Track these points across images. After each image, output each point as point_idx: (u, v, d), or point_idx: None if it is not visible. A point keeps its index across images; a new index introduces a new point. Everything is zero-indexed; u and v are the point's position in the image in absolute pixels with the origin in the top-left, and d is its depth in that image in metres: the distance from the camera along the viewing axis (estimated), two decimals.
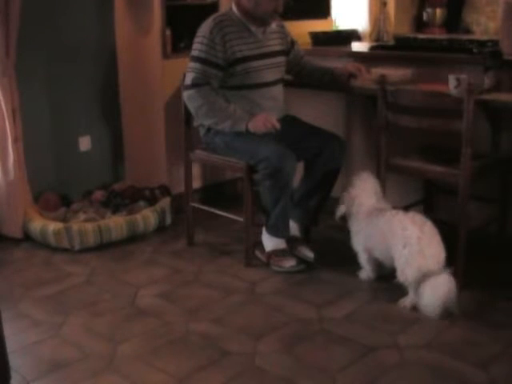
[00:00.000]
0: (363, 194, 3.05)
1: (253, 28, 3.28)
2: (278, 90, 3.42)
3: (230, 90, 3.26)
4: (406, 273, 2.80)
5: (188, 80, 3.23)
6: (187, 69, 3.27)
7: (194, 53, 3.24)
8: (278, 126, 3.16)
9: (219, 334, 2.68)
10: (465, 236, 2.97)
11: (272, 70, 3.34)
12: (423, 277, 2.73)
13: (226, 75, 3.23)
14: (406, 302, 2.86)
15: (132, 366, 2.46)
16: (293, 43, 3.52)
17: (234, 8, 3.28)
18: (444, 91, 3.03)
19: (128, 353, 2.56)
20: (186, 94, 3.26)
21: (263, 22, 3.28)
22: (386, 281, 3.03)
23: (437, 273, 2.72)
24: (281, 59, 3.41)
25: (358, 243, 3.09)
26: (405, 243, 2.79)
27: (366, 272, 3.12)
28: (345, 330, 2.70)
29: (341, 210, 3.10)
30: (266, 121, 3.16)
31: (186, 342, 2.63)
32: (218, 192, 4.31)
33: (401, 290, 2.88)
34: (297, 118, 3.49)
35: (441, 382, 2.35)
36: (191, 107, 3.27)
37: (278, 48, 3.39)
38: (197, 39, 3.25)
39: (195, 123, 3.42)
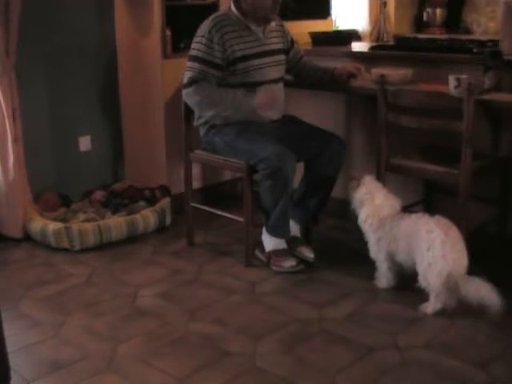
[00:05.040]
0: (386, 201, 2.97)
1: (252, 26, 3.28)
2: (279, 88, 3.42)
3: (231, 89, 3.26)
4: (427, 277, 2.73)
5: (186, 79, 3.23)
6: (185, 68, 3.28)
7: (193, 52, 3.24)
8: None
9: (219, 334, 2.68)
10: (465, 236, 2.96)
11: (273, 68, 3.34)
12: (447, 281, 2.67)
13: (227, 74, 3.23)
14: (428, 308, 2.78)
15: (132, 366, 2.46)
16: (292, 42, 3.53)
17: (233, 7, 3.28)
18: (444, 91, 3.03)
19: (128, 353, 2.55)
20: (184, 93, 3.26)
21: (265, 19, 3.28)
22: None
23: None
24: (281, 57, 3.41)
25: (380, 251, 2.96)
26: (429, 246, 2.72)
27: (387, 280, 2.99)
28: (345, 331, 2.70)
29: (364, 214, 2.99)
30: (267, 95, 3.22)
31: (186, 342, 2.63)
32: (218, 192, 4.31)
33: (401, 291, 2.88)
34: (297, 118, 3.49)
35: (441, 382, 2.35)
36: (192, 104, 3.27)
37: (278, 46, 3.39)
38: (195, 39, 3.26)
39: (195, 123, 3.42)
